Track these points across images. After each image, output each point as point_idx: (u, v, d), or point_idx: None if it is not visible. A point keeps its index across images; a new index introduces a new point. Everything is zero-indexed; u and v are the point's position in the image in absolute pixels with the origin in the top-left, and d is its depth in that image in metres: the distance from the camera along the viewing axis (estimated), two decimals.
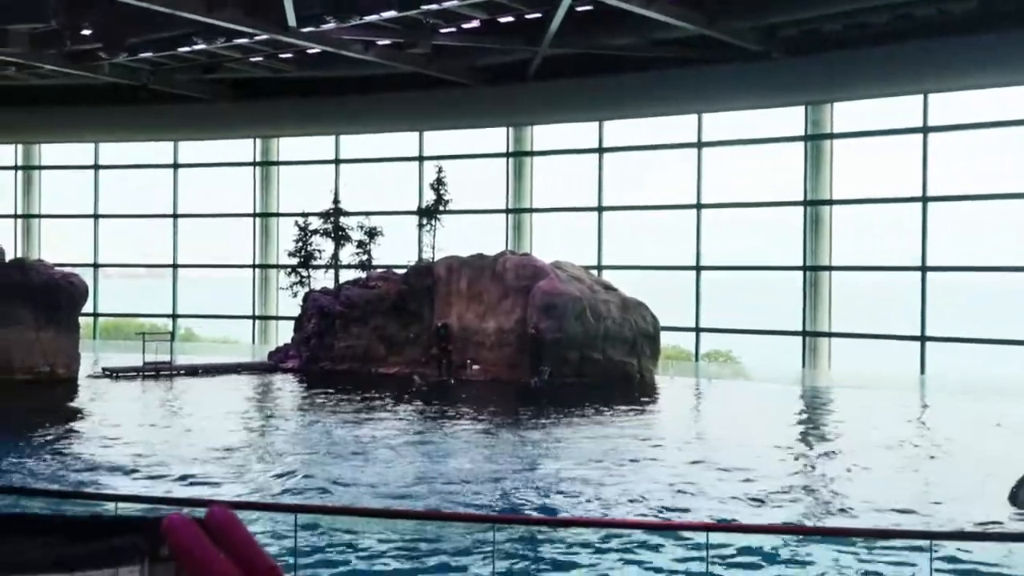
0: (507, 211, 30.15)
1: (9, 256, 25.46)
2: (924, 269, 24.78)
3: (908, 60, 23.74)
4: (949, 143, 24.92)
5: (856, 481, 12.96)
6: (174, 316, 33.30)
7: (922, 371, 24.74)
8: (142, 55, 27.03)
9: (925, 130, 24.67)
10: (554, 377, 22.80)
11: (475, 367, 24.21)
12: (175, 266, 33.45)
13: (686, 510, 11.38)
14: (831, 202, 26.40)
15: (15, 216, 34.36)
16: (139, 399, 21.40)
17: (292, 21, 23.20)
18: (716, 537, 8.37)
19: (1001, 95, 24.16)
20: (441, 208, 27.42)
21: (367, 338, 25.58)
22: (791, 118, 26.68)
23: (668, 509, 11.49)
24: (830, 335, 26.51)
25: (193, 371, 25.15)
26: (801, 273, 26.56)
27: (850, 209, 26.53)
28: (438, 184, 27.46)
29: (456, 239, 27.17)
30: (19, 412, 17.85)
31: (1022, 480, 11.44)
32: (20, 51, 26.38)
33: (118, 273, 36.60)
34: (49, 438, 15.57)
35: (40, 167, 34.77)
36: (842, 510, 11.46)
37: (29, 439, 15.19)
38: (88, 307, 26.94)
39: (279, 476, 13.04)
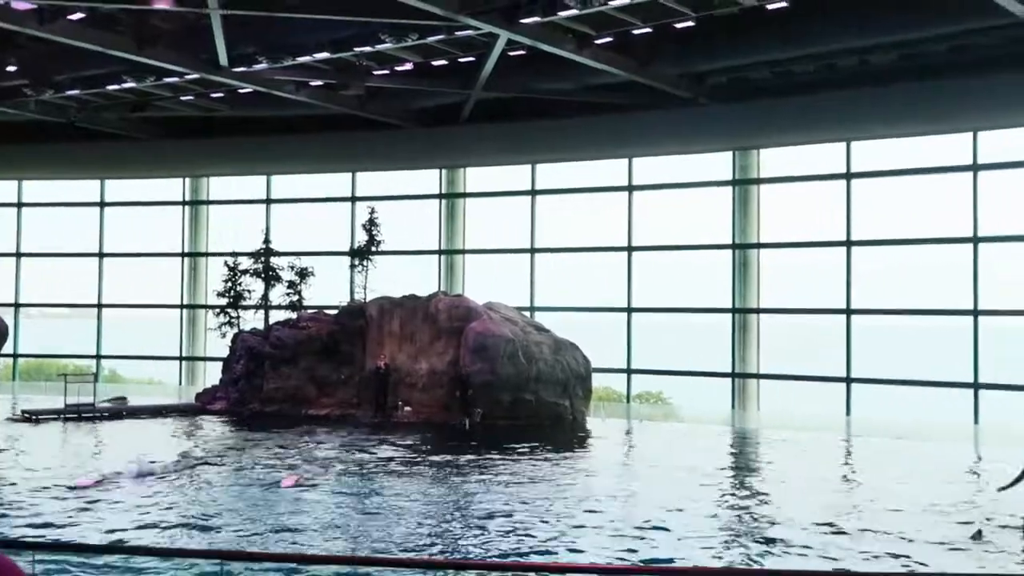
0: (440, 252, 30.16)
1: None
2: (849, 312, 25.31)
3: (832, 108, 24.39)
4: (872, 189, 25.57)
5: (775, 519, 13.08)
6: (98, 357, 32.57)
7: (847, 412, 25.16)
8: (69, 92, 26.62)
9: (848, 176, 25.33)
10: (485, 419, 22.73)
11: (407, 409, 24.01)
12: (100, 306, 32.77)
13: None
14: (759, 246, 26.88)
15: None
16: (51, 443, 20.75)
17: (224, 60, 23.06)
18: None
19: (920, 143, 24.88)
20: (373, 249, 27.35)
21: (297, 379, 25.27)
22: (719, 163, 27.18)
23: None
24: (758, 376, 26.87)
25: (117, 413, 24.57)
26: (730, 315, 26.94)
27: (777, 253, 27.02)
28: (370, 225, 27.41)
29: (388, 280, 27.07)
30: None
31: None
32: None
33: (40, 313, 35.71)
34: None
35: None
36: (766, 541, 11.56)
37: None
38: (8, 347, 26.23)
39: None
